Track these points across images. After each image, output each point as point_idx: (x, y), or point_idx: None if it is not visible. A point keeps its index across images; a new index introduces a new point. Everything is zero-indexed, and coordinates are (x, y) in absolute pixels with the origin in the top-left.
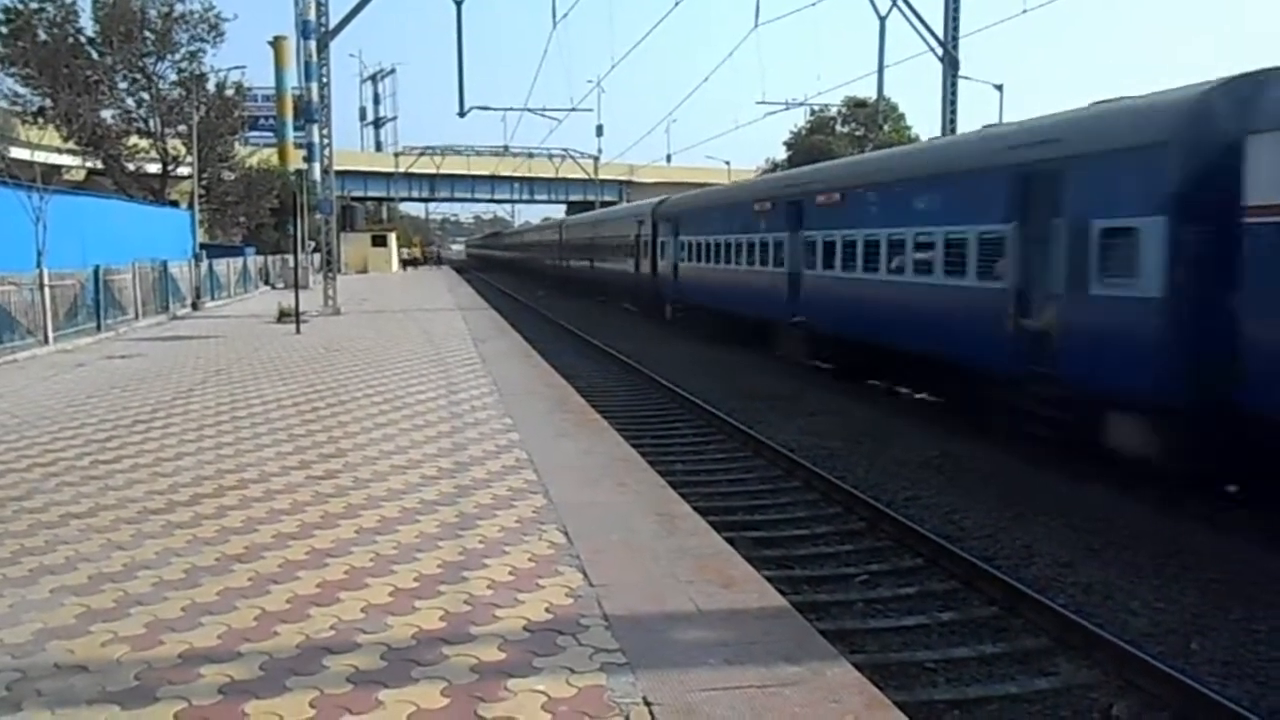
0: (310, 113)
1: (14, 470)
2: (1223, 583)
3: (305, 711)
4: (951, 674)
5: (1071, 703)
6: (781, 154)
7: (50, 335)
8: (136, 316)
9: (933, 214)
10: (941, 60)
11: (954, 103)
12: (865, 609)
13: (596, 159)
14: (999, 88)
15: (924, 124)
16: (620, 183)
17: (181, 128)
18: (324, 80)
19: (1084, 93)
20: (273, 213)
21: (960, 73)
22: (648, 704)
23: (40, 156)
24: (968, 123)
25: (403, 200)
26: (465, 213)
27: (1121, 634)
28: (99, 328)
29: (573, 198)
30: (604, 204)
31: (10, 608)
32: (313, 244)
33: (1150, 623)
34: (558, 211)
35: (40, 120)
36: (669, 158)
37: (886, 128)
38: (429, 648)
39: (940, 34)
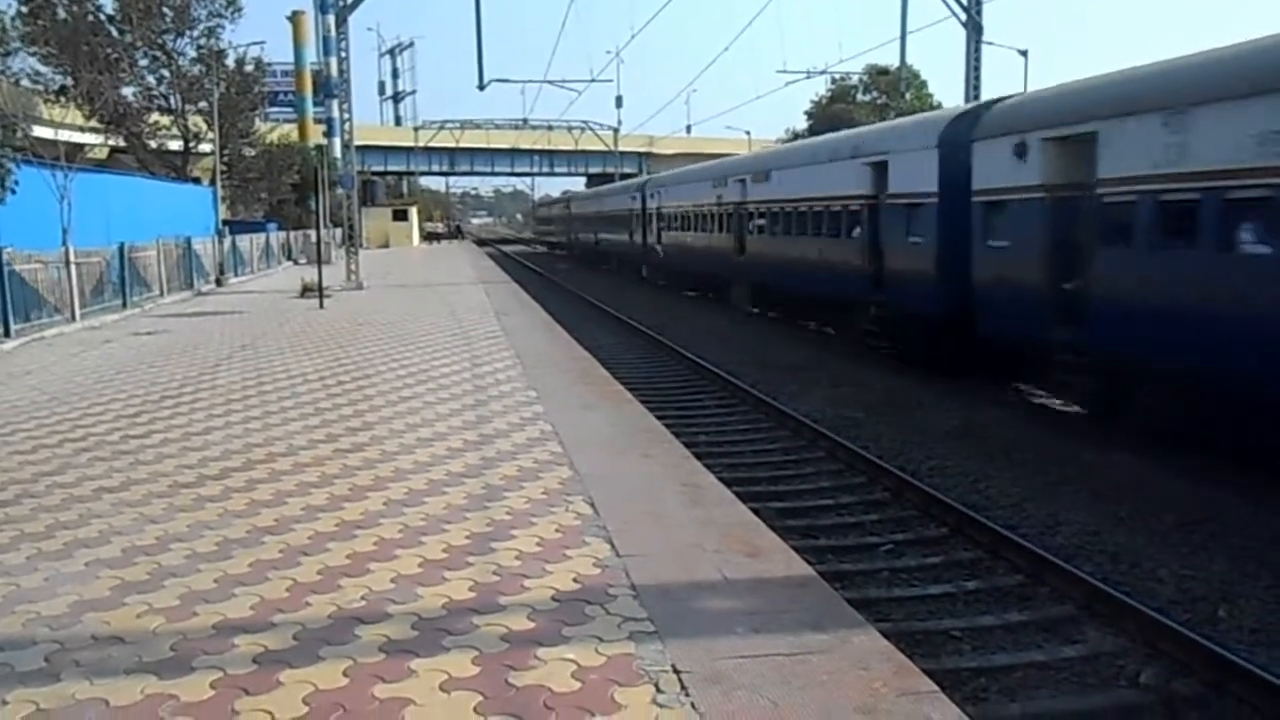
0: (329, 88)
1: (45, 446)
2: (1251, 550)
3: (339, 680)
4: (978, 642)
5: (1099, 670)
6: (802, 123)
7: (77, 312)
8: (161, 293)
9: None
10: (965, 26)
11: (978, 69)
12: (891, 578)
13: (616, 131)
14: (1024, 53)
15: (947, 91)
16: (640, 154)
17: (202, 104)
18: (343, 55)
19: (1114, 57)
20: (294, 188)
21: (984, 38)
22: (676, 672)
23: (63, 135)
24: (992, 89)
25: (423, 174)
26: (485, 186)
27: (1149, 602)
28: (125, 304)
29: (593, 170)
30: (624, 176)
31: (46, 580)
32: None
33: (1178, 590)
34: (577, 184)
35: (62, 99)
36: (689, 128)
37: (909, 95)
38: (459, 618)
39: None
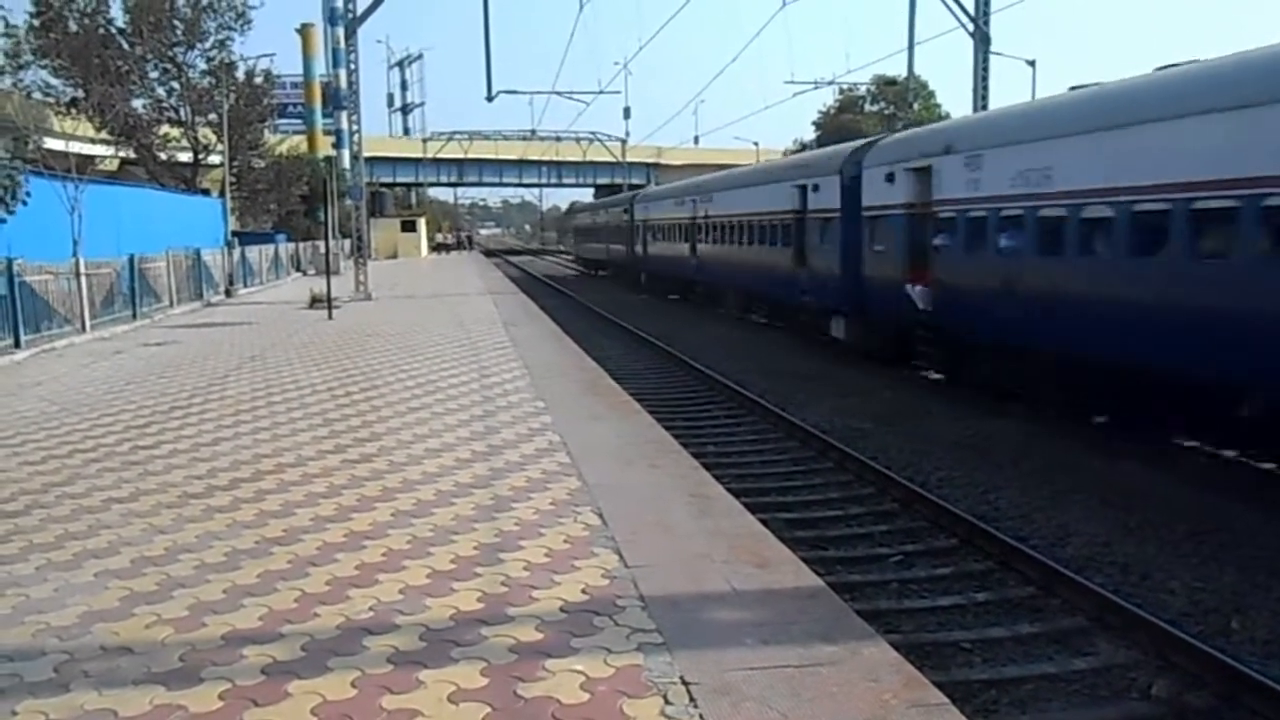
0: (338, 99)
1: (55, 456)
2: (1263, 560)
3: (347, 691)
4: (988, 654)
5: (1110, 683)
6: (810, 134)
7: (87, 323)
8: (171, 304)
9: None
10: (973, 36)
11: (985, 79)
12: (900, 589)
13: (624, 141)
14: (1031, 63)
15: (955, 101)
16: (648, 165)
17: (212, 116)
18: (352, 67)
19: (1119, 65)
20: (303, 199)
21: (992, 49)
22: (685, 683)
23: (74, 147)
24: (999, 99)
25: (431, 185)
26: (493, 197)
27: (1160, 613)
28: (135, 315)
29: (600, 181)
30: (632, 187)
31: (55, 591)
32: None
33: (1189, 602)
34: (586, 195)
35: (73, 111)
36: (697, 139)
37: (916, 106)
38: (467, 628)
39: (972, 10)
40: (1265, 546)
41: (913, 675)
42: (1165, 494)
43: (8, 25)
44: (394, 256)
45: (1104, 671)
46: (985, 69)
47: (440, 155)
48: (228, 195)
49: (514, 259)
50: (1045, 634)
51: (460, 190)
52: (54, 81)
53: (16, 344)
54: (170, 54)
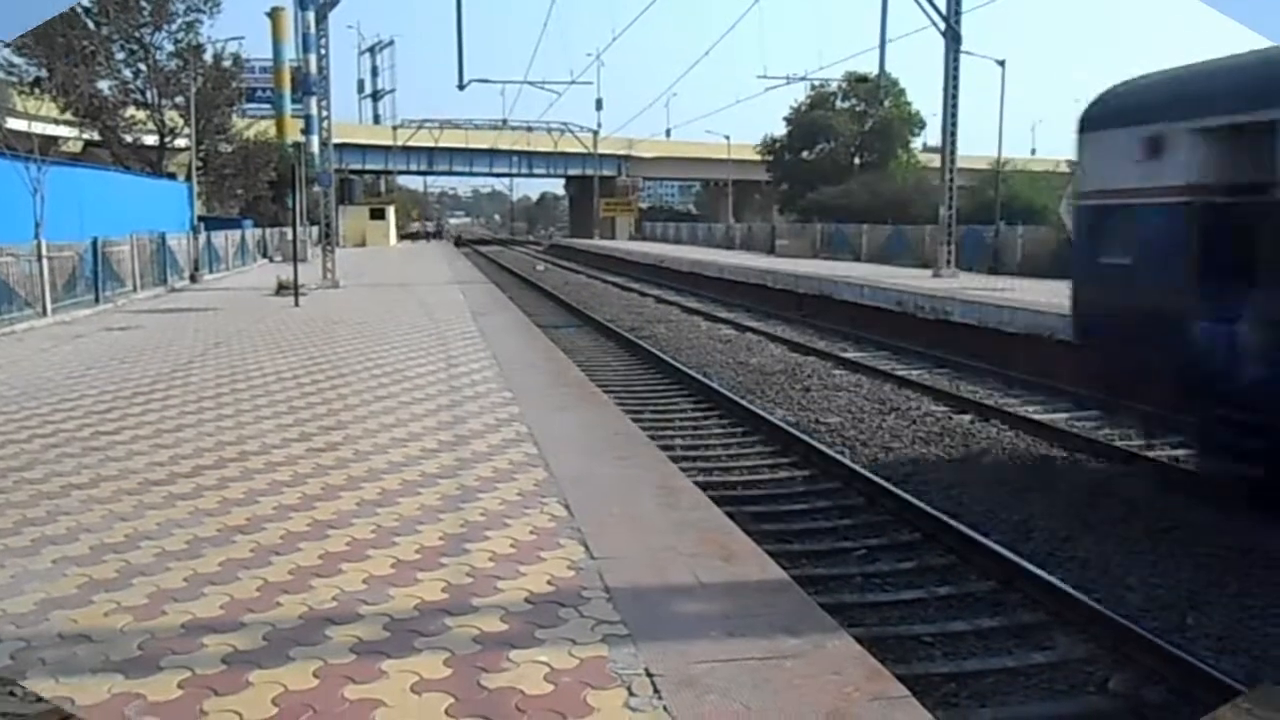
0: (308, 85)
1: (14, 441)
2: (1219, 558)
3: (309, 681)
4: (949, 648)
5: (1068, 676)
6: (781, 129)
7: (49, 307)
8: (135, 289)
9: None
10: (944, 35)
11: (956, 78)
12: (864, 583)
13: (596, 133)
14: (1001, 63)
15: (927, 100)
16: (619, 157)
17: (179, 99)
18: (322, 52)
19: (1088, 68)
20: (270, 185)
21: (963, 48)
22: (649, 675)
23: (37, 128)
24: (970, 97)
25: (401, 173)
26: (463, 186)
27: (1118, 609)
28: (97, 300)
29: (571, 171)
30: (603, 179)
31: (13, 578)
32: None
33: (1146, 597)
34: (556, 185)
35: (37, 91)
36: (668, 132)
37: (887, 103)
38: (431, 619)
39: (943, 9)
40: (1221, 545)
41: (875, 668)
42: (1126, 492)
43: None
44: (362, 244)
45: (1062, 666)
46: (956, 68)
47: (410, 143)
48: (194, 179)
49: (487, 249)
50: (1005, 628)
51: (430, 179)
52: (17, 60)
53: None
54: (137, 35)
